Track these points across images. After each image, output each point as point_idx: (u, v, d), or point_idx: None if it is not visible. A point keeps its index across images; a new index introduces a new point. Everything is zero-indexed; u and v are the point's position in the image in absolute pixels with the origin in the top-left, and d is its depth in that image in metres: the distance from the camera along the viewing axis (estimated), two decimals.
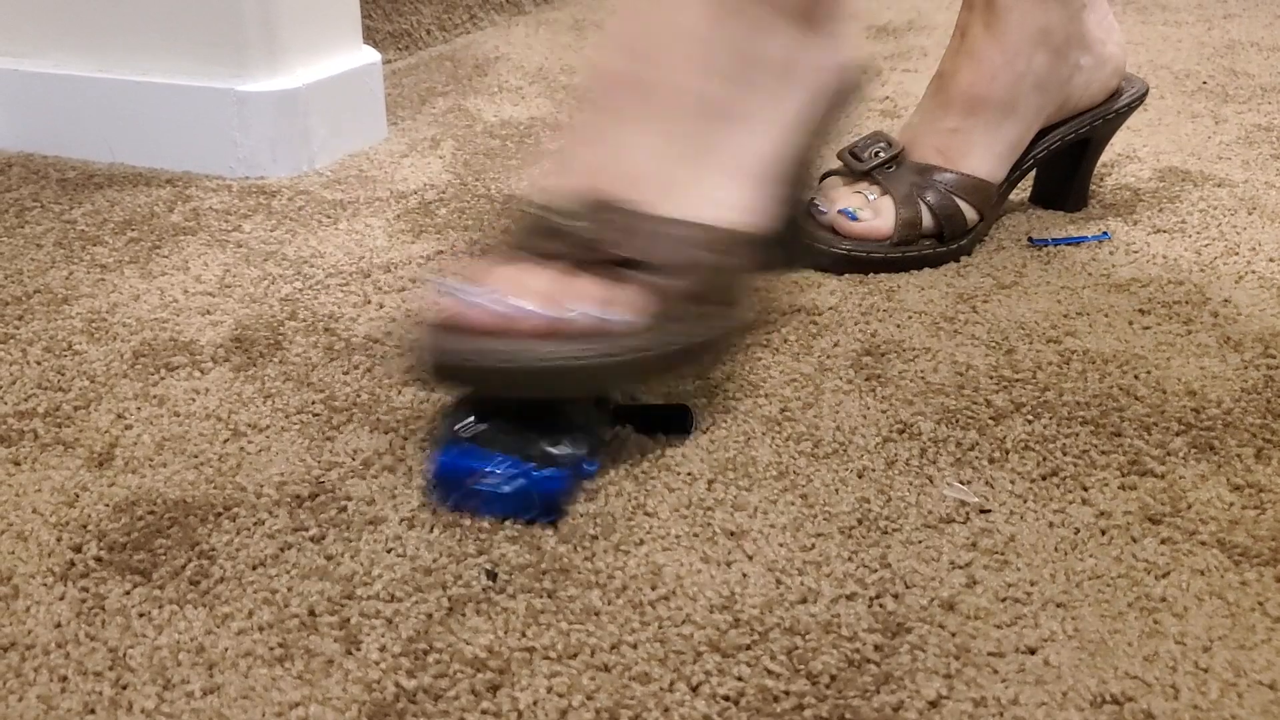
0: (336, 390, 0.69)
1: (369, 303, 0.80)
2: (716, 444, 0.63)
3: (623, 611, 0.51)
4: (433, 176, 1.03)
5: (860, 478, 0.60)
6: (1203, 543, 0.55)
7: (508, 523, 0.57)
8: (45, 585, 0.54)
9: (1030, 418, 0.65)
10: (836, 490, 0.59)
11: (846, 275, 0.82)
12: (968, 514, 0.57)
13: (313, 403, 0.68)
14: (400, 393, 0.68)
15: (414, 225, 0.92)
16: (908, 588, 0.52)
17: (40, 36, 1.08)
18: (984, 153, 0.85)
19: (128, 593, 0.53)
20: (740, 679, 0.48)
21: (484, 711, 0.46)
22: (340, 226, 0.92)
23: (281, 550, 0.55)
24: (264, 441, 0.64)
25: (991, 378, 0.68)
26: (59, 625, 0.51)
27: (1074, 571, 0.53)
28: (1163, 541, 0.55)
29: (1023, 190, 0.96)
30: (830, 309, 0.77)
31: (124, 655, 0.49)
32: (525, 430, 0.57)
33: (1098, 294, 0.78)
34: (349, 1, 1.10)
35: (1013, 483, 0.59)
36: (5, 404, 0.68)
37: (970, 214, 0.84)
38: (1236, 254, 0.83)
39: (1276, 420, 0.64)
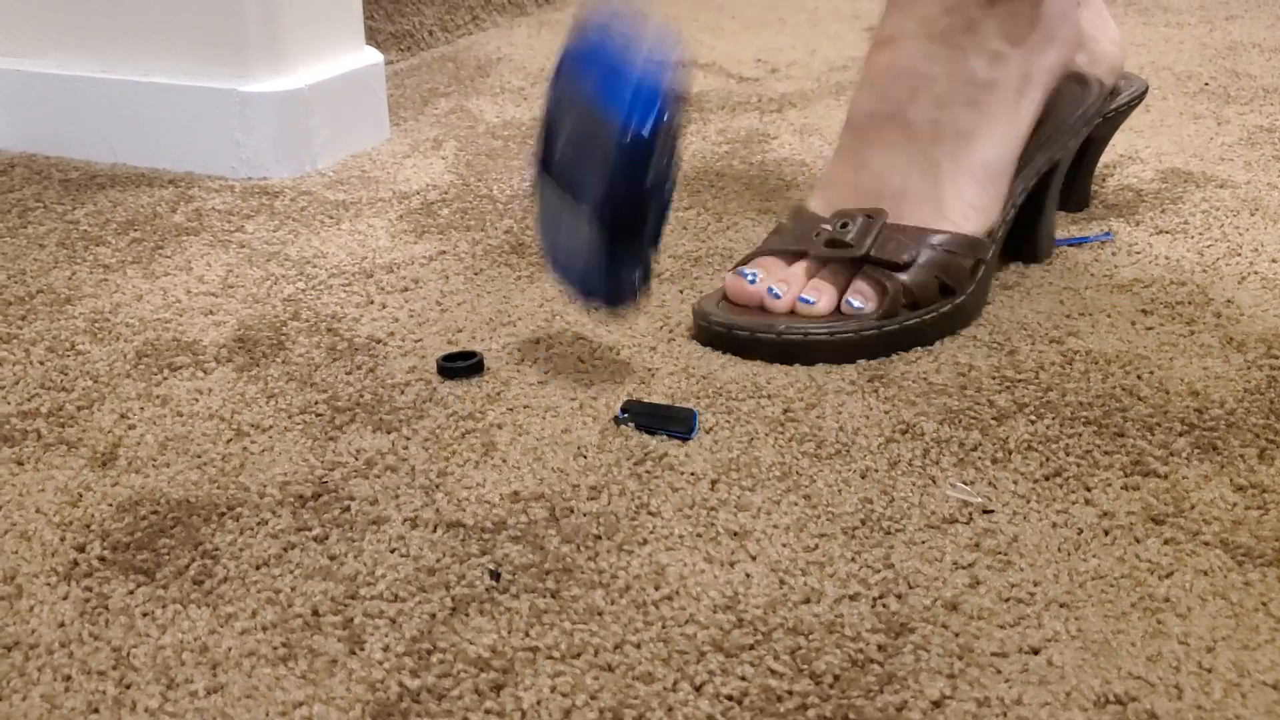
0: (339, 390, 0.69)
1: (371, 303, 0.80)
2: (720, 444, 0.63)
3: (626, 611, 0.51)
4: (435, 177, 1.03)
5: (863, 478, 0.60)
6: (1206, 543, 0.55)
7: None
8: (49, 585, 0.54)
9: (1033, 418, 0.65)
10: (840, 491, 0.59)
11: None
12: (971, 514, 0.57)
13: (316, 403, 0.68)
14: (403, 392, 0.68)
15: (416, 226, 0.92)
16: (911, 588, 0.52)
17: (42, 37, 1.08)
18: None
19: (131, 592, 0.53)
20: (744, 679, 0.48)
21: (487, 711, 0.46)
22: (343, 227, 0.92)
23: (285, 550, 0.55)
24: (267, 441, 0.64)
25: (994, 378, 0.68)
26: (63, 625, 0.51)
27: (1077, 572, 0.53)
28: (1166, 542, 0.55)
29: None
30: None
31: (128, 655, 0.49)
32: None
33: (1100, 294, 0.78)
34: (351, 2, 1.10)
35: (1016, 483, 0.59)
36: (9, 404, 0.68)
37: None
38: (1239, 255, 0.83)
39: (1279, 420, 0.64)
